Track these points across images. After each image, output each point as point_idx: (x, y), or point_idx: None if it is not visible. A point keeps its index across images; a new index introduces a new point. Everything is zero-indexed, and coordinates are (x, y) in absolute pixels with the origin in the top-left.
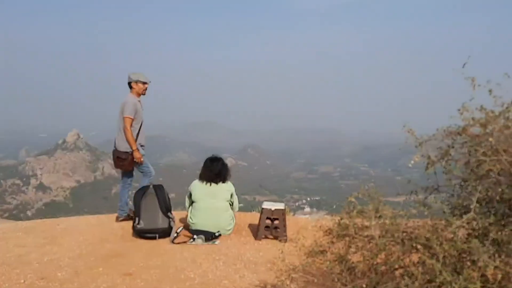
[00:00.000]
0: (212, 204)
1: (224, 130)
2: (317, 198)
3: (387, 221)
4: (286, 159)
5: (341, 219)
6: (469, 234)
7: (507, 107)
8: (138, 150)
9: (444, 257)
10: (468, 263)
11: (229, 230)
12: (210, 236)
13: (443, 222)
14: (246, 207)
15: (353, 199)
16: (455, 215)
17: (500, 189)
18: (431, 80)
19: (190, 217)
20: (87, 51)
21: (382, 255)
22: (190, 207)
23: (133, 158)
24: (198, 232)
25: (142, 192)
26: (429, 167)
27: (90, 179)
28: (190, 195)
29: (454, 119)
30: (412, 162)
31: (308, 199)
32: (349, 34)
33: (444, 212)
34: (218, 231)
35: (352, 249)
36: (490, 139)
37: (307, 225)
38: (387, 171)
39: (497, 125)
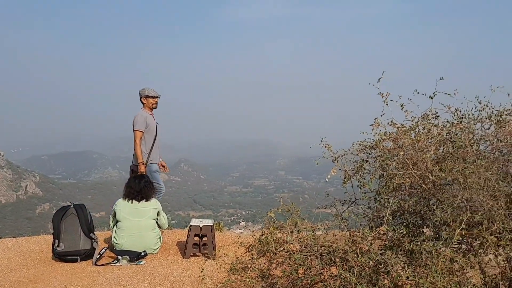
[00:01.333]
0: (137, 223)
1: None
2: (252, 212)
3: (306, 235)
4: (220, 173)
5: (262, 235)
6: (383, 246)
7: (417, 121)
8: (148, 165)
9: (360, 269)
10: (383, 274)
11: (156, 249)
12: (135, 256)
13: (360, 234)
14: (180, 223)
15: (272, 215)
16: (371, 227)
17: (411, 201)
18: (368, 93)
19: (115, 237)
20: (10, 66)
21: (302, 270)
22: (115, 226)
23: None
24: (123, 253)
25: (62, 212)
26: (346, 181)
27: (12, 199)
28: (115, 214)
29: (369, 134)
30: (329, 176)
31: (243, 212)
32: (285, 45)
33: (360, 224)
34: (144, 251)
35: (273, 265)
36: (401, 153)
37: (236, 240)
38: (320, 183)
39: (407, 139)
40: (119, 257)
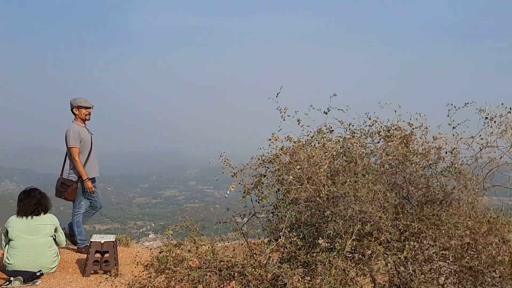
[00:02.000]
0: (32, 240)
1: (57, 155)
2: (162, 223)
3: (205, 251)
4: (128, 184)
5: (160, 252)
6: (281, 258)
7: (312, 136)
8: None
9: (258, 282)
10: (280, 287)
11: (53, 268)
12: (30, 277)
13: (259, 247)
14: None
15: (170, 233)
16: (269, 241)
17: (306, 214)
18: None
19: (7, 257)
20: None
21: (201, 286)
22: (7, 246)
23: (76, 188)
24: (16, 273)
25: None
26: (245, 195)
27: None
28: (7, 233)
29: (267, 149)
30: (228, 192)
31: (153, 224)
32: (191, 55)
33: (259, 238)
34: (40, 270)
35: (172, 283)
36: (298, 167)
37: (137, 257)
38: (232, 193)
39: (302, 154)
40: (11, 278)
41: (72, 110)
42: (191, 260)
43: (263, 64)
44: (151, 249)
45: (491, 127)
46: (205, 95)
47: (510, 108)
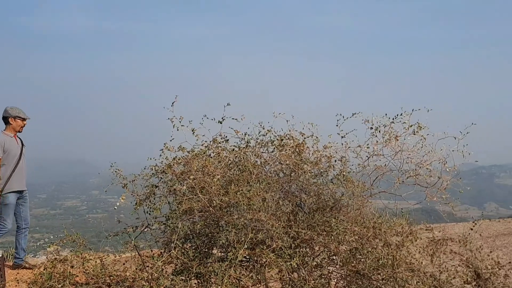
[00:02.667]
0: None
1: None
2: (61, 235)
3: (94, 265)
4: None
5: (44, 269)
6: (174, 270)
7: (206, 146)
8: (2, 195)
9: None
10: None
11: None
12: None
13: (151, 260)
14: None
15: (51, 249)
16: (161, 253)
17: (200, 225)
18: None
19: None
20: None
21: None
22: None
23: None
24: None
25: None
26: (137, 206)
27: None
28: None
29: (158, 159)
30: (118, 204)
31: (52, 236)
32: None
33: (151, 250)
34: None
35: None
36: (191, 177)
37: (19, 274)
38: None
39: (195, 164)
40: None
41: (6, 119)
42: (77, 276)
43: (155, 72)
44: (32, 266)
45: (376, 136)
46: (108, 102)
47: (393, 119)
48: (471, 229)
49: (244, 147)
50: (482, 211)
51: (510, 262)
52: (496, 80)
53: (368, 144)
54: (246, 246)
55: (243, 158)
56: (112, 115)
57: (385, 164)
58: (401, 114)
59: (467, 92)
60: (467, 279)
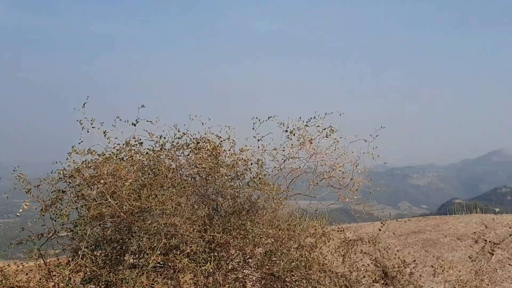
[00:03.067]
0: None
1: None
2: None
3: None
4: None
5: None
6: (83, 279)
7: (118, 149)
8: None
9: None
10: None
11: None
12: None
13: (58, 269)
14: None
15: None
16: (69, 261)
17: (110, 231)
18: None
19: None
20: None
21: None
22: None
23: None
24: None
25: None
26: (43, 213)
27: None
28: None
29: (64, 163)
30: (21, 210)
31: None
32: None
33: (58, 259)
34: None
35: None
36: (102, 181)
37: None
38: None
39: (106, 168)
40: None
41: None
42: None
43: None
44: None
45: (291, 139)
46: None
47: (307, 122)
48: (380, 229)
49: (158, 150)
50: (396, 211)
51: (414, 261)
52: (408, 82)
53: (283, 147)
54: (159, 252)
55: (157, 161)
56: (26, 115)
57: (300, 167)
58: (314, 118)
59: (379, 94)
60: (375, 278)
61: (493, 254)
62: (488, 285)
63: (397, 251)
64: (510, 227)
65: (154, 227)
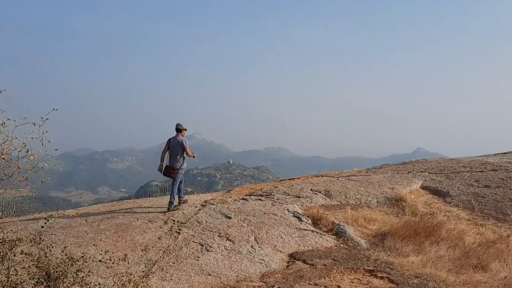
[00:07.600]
0: None
1: None
2: None
3: None
4: None
5: None
6: None
7: None
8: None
9: None
10: None
11: None
12: None
13: None
14: None
15: None
16: None
17: None
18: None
19: None
20: None
21: None
22: None
23: (178, 171)
24: None
25: None
26: None
27: None
28: None
29: None
30: None
31: None
32: None
33: None
34: None
35: None
36: None
37: None
38: None
39: None
40: None
41: (183, 130)
42: None
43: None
44: None
45: None
46: None
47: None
48: (42, 226)
49: None
50: (95, 195)
51: (83, 256)
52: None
53: None
54: None
55: None
56: None
57: None
58: None
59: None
60: (37, 280)
61: (179, 233)
62: (174, 262)
63: (65, 247)
64: (195, 207)
65: None
